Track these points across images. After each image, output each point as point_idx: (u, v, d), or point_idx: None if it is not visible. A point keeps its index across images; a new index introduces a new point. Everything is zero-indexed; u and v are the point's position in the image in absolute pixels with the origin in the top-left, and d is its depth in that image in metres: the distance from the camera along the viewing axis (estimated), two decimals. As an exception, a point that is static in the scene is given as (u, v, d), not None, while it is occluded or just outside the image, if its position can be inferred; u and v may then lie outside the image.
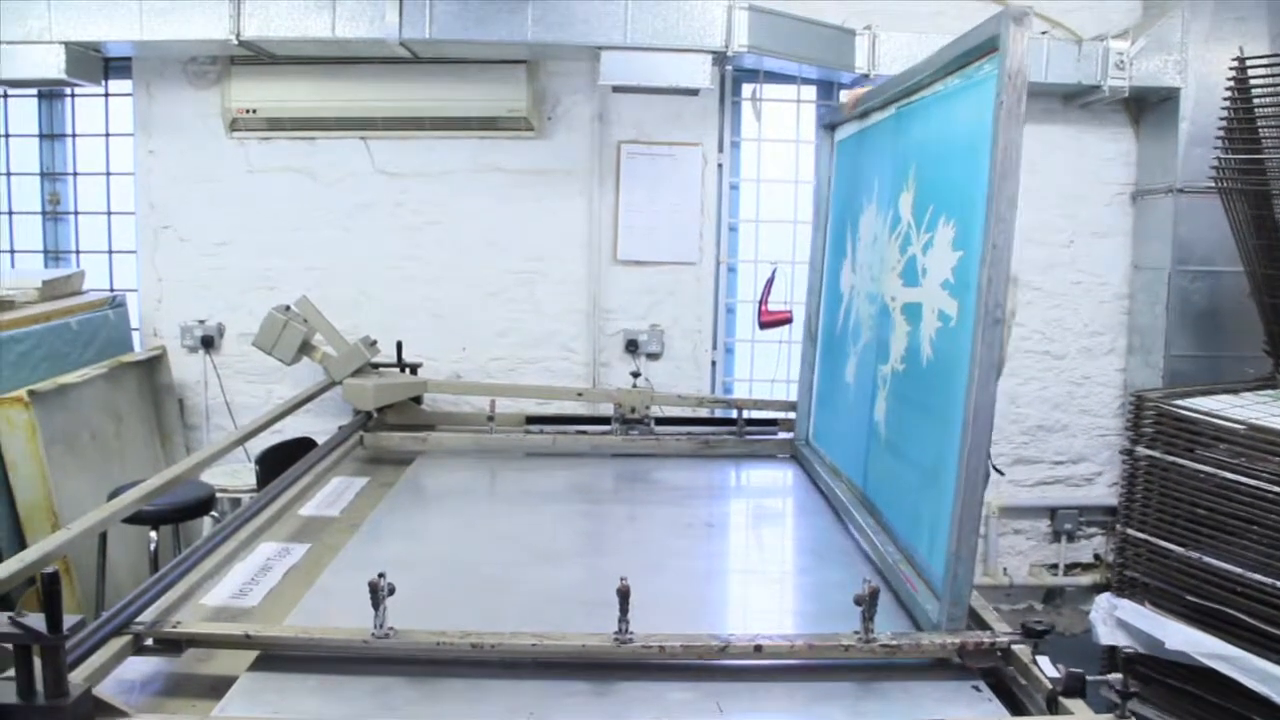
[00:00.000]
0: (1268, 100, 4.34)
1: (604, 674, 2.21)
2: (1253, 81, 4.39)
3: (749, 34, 4.71)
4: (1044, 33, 5.14)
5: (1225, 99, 4.50)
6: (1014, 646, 2.23)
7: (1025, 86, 2.23)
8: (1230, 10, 4.94)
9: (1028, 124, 5.55)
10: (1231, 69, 4.46)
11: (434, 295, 5.44)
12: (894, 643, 2.24)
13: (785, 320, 5.38)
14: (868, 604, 2.22)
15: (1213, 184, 4.53)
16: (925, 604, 2.42)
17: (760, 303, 5.34)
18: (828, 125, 4.12)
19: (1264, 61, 4.37)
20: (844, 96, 3.45)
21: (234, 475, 4.93)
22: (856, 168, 3.70)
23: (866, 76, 5.05)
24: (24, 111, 5.54)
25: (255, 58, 5.06)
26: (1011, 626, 2.34)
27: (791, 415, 4.37)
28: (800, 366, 4.29)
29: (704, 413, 4.96)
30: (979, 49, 2.46)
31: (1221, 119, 4.50)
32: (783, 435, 4.41)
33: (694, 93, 4.96)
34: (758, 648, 2.22)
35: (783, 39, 4.87)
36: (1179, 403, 4.15)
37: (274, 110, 5.22)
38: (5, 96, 5.48)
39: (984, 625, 2.40)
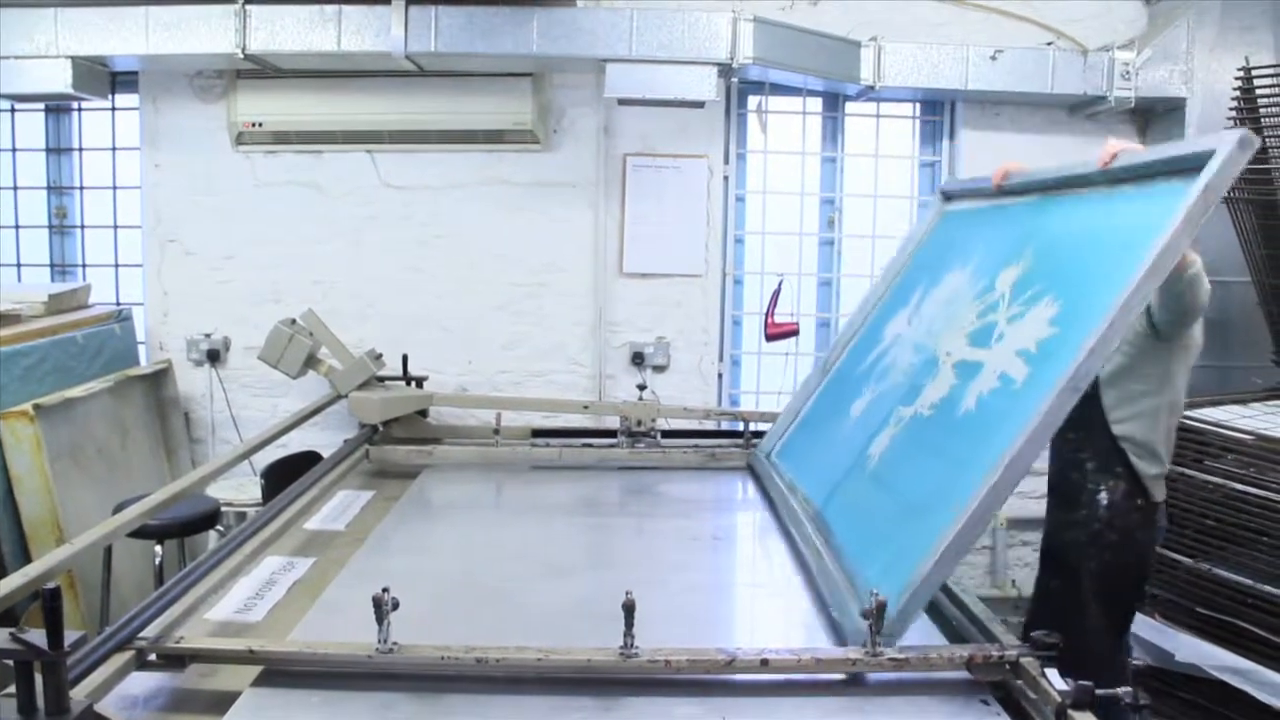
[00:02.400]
0: (1274, 110, 4.33)
1: (609, 689, 2.20)
2: (1259, 91, 4.39)
3: (754, 46, 4.71)
4: (1049, 43, 5.14)
5: (1231, 109, 4.50)
6: (1022, 659, 2.21)
7: (1217, 200, 2.32)
8: (1236, 20, 4.93)
9: (1033, 134, 5.57)
10: (1237, 79, 4.46)
11: (440, 308, 5.44)
12: (901, 657, 2.22)
13: (792, 332, 5.38)
14: (875, 618, 2.20)
15: (1220, 194, 4.51)
16: (854, 622, 2.39)
17: (766, 315, 5.35)
18: (945, 194, 4.04)
19: (1270, 71, 4.37)
20: (997, 176, 3.46)
21: (239, 489, 4.92)
22: (959, 237, 3.68)
23: (872, 88, 5.05)
24: (31, 125, 5.55)
25: (261, 71, 5.07)
26: (1015, 635, 2.33)
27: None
28: (798, 389, 4.25)
29: (710, 425, 4.94)
30: (1180, 162, 2.48)
31: (1228, 129, 4.48)
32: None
33: (699, 105, 4.96)
34: (764, 662, 2.20)
35: (788, 51, 4.87)
36: (1187, 413, 4.12)
37: (280, 124, 5.23)
38: (12, 110, 5.50)
39: (992, 638, 2.38)
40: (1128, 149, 2.74)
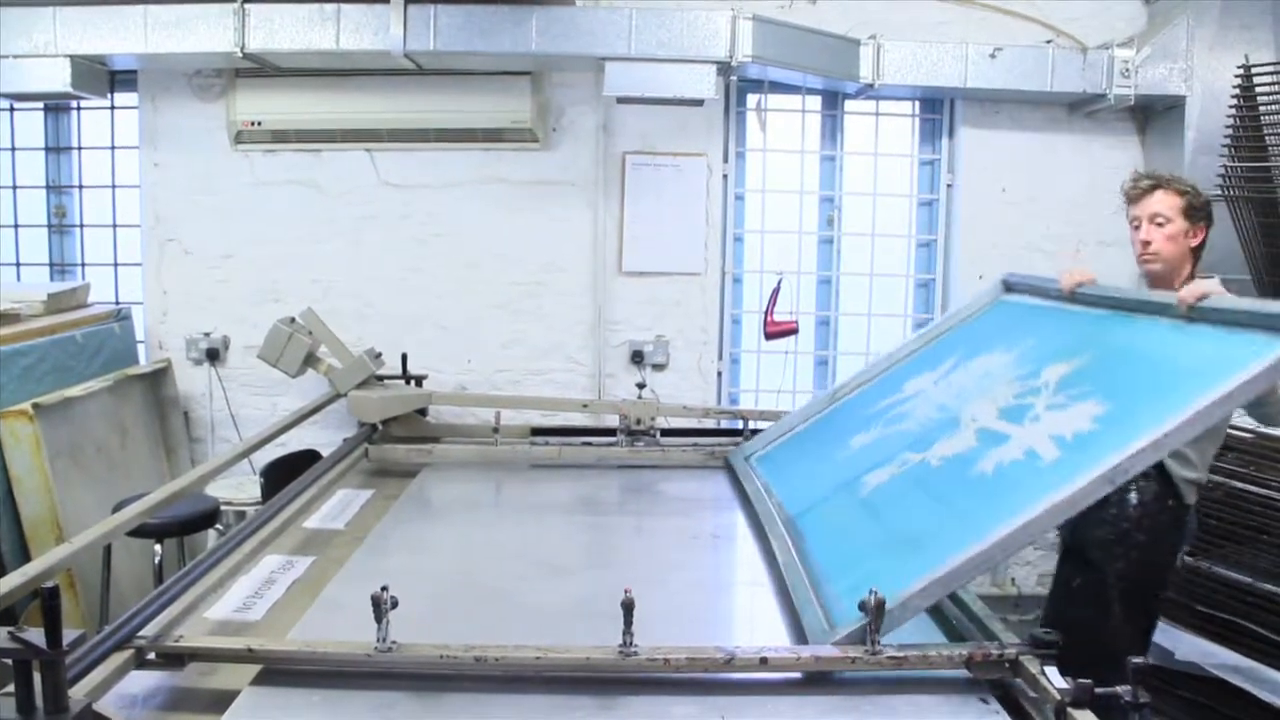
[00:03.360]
0: (1274, 108, 4.33)
1: (608, 688, 2.19)
2: (1258, 89, 4.39)
3: (753, 44, 4.71)
4: (1049, 41, 5.14)
5: (1231, 107, 4.50)
6: (1021, 657, 2.21)
7: None
8: (1235, 18, 4.92)
9: (1032, 132, 5.57)
10: (1237, 77, 4.46)
11: (439, 307, 5.44)
12: (900, 655, 2.22)
13: (791, 331, 5.38)
14: (874, 615, 2.20)
15: (1219, 192, 4.51)
16: (816, 625, 2.42)
17: (766, 313, 5.34)
18: (1006, 284, 4.01)
19: (1270, 69, 4.37)
20: (1068, 280, 3.46)
21: (239, 488, 4.92)
22: (1010, 325, 3.67)
23: (871, 86, 5.05)
24: (30, 124, 5.54)
25: (260, 70, 5.07)
26: (1020, 637, 2.33)
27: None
28: (798, 409, 4.27)
29: (710, 424, 4.94)
30: (1271, 320, 2.47)
31: (1227, 127, 4.49)
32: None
33: (699, 103, 4.96)
34: (763, 660, 2.20)
35: (787, 49, 4.86)
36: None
37: (279, 122, 5.22)
38: (11, 110, 5.50)
39: (991, 636, 2.38)
40: (1217, 292, 2.75)
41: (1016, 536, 2.28)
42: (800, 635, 2.45)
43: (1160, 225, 3.32)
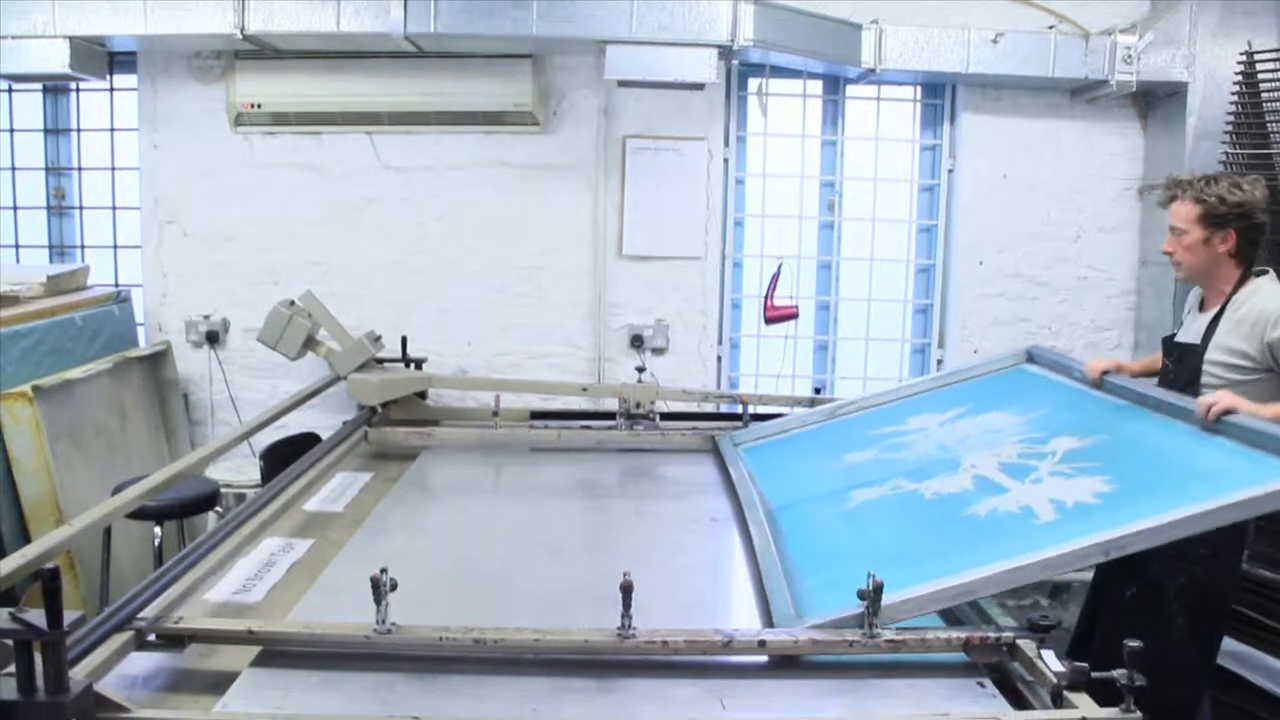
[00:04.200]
0: (1276, 94, 4.33)
1: (607, 670, 2.20)
2: (1261, 76, 4.38)
3: (755, 28, 4.69)
4: (1051, 27, 5.12)
5: (1233, 93, 4.50)
6: (1019, 641, 2.22)
7: None
8: (1238, 4, 4.90)
9: (1033, 118, 5.57)
10: (1240, 63, 4.45)
11: (439, 290, 5.43)
12: (899, 638, 2.23)
13: (791, 315, 5.38)
14: (872, 599, 2.21)
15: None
16: (784, 612, 2.44)
17: (766, 298, 5.34)
18: (1030, 355, 4.06)
19: (1272, 56, 4.36)
20: (1096, 366, 3.48)
21: (238, 470, 4.93)
22: (1026, 392, 3.72)
23: (873, 71, 5.04)
24: (29, 106, 5.53)
25: (260, 52, 5.05)
26: (1018, 622, 2.34)
27: (792, 410, 4.38)
28: (793, 414, 4.34)
29: (709, 408, 4.95)
30: None
31: (1229, 113, 4.49)
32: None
33: (700, 87, 4.95)
34: (761, 643, 2.21)
35: (789, 33, 4.85)
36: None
37: (279, 105, 5.21)
38: (10, 91, 5.48)
39: (989, 621, 2.39)
40: (1243, 408, 2.77)
41: (1002, 578, 2.31)
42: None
43: (1178, 236, 3.25)
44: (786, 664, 2.27)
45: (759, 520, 3.06)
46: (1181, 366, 3.26)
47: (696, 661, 2.24)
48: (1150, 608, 3.10)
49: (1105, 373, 3.44)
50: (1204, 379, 3.14)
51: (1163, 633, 3.02)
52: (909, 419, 3.80)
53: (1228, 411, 2.77)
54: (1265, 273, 3.23)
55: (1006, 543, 2.42)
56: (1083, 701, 2.01)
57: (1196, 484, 2.49)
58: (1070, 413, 3.34)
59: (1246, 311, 3.13)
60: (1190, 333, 3.30)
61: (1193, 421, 2.88)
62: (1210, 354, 3.16)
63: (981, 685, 2.19)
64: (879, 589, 2.20)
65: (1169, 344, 3.39)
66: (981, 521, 2.71)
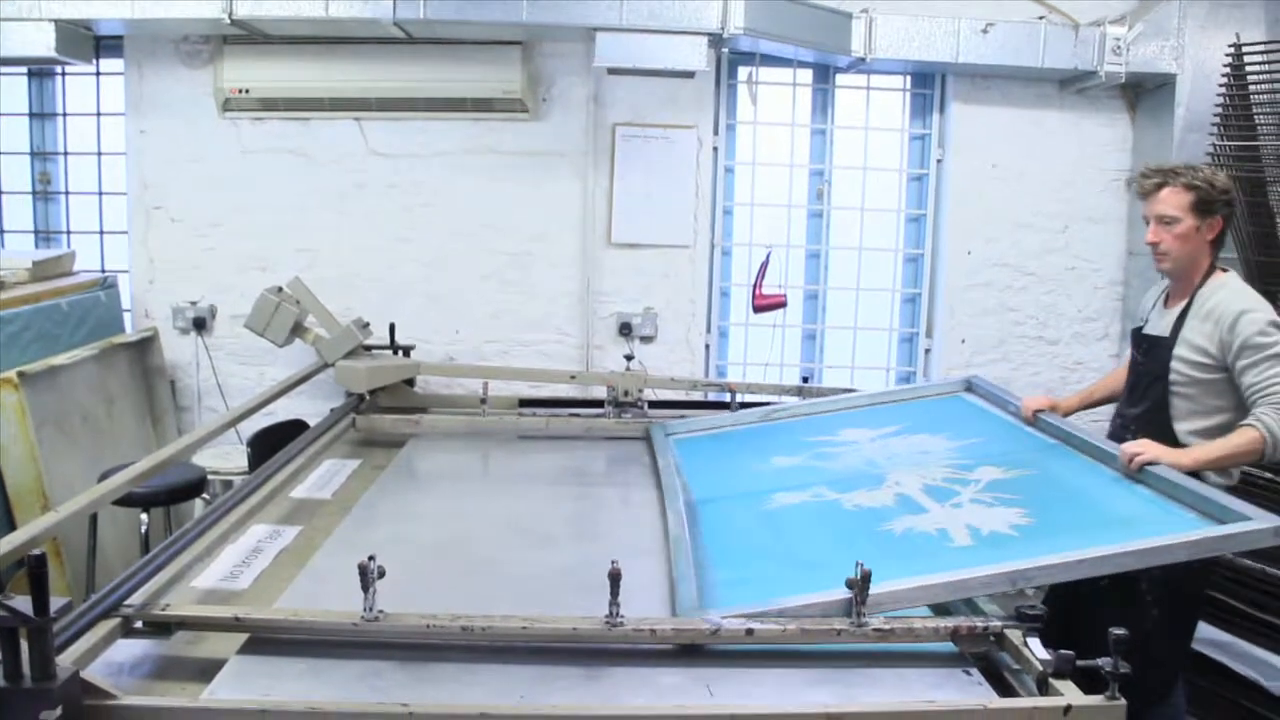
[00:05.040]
0: (1264, 87, 4.34)
1: (595, 658, 2.21)
2: (1249, 68, 4.39)
3: (745, 16, 4.68)
4: (1041, 18, 5.13)
5: (1221, 85, 4.50)
6: (1006, 630, 2.23)
7: (1212, 553, 2.59)
8: (1227, -4, 4.92)
9: (1022, 109, 5.57)
10: (1228, 55, 4.46)
11: (427, 277, 5.42)
12: (886, 627, 2.24)
13: (779, 304, 5.38)
14: (859, 587, 2.21)
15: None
16: (688, 601, 2.44)
17: (754, 286, 5.34)
18: (969, 385, 4.13)
19: (1260, 48, 4.37)
20: (1030, 404, 3.57)
21: (226, 457, 4.92)
22: (960, 420, 3.80)
23: (863, 60, 5.04)
24: (14, 90, 5.48)
25: (248, 37, 5.02)
26: (1005, 611, 2.35)
27: (779, 399, 4.39)
28: (726, 413, 4.35)
29: (697, 396, 4.96)
30: (1207, 505, 2.62)
31: (1217, 105, 4.49)
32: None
33: (689, 75, 4.94)
34: (749, 632, 2.22)
35: (779, 21, 4.84)
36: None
37: (267, 90, 5.18)
38: (-5, 75, 5.45)
39: (977, 611, 2.40)
40: (1167, 461, 2.85)
41: (910, 593, 2.32)
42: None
43: (1168, 225, 3.19)
44: (776, 652, 2.27)
45: (678, 509, 3.08)
46: (1150, 359, 3.27)
47: (685, 649, 2.24)
48: (1125, 595, 3.10)
49: (1039, 411, 3.52)
50: (1171, 375, 3.16)
51: (1139, 620, 3.04)
52: (841, 430, 3.86)
53: (1152, 463, 2.86)
54: (1226, 270, 3.25)
55: (918, 561, 2.46)
56: (1068, 689, 2.03)
57: (1110, 528, 2.60)
58: (1000, 444, 3.43)
59: (1212, 307, 3.13)
60: (1159, 326, 3.30)
61: (1116, 467, 2.98)
62: (1178, 349, 3.17)
63: (968, 674, 2.20)
64: (867, 578, 2.21)
65: (1138, 336, 3.40)
66: (896, 538, 2.75)
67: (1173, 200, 3.18)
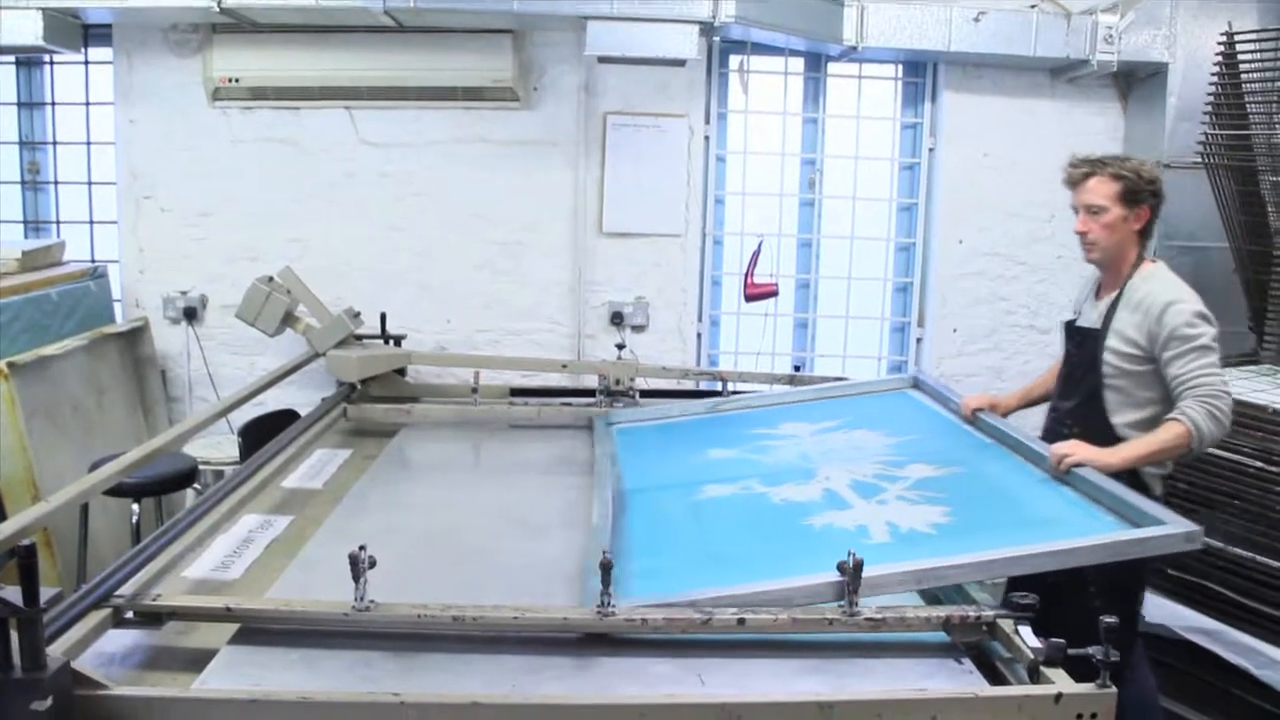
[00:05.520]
0: (1255, 76, 4.34)
1: (586, 648, 2.21)
2: (1241, 57, 4.39)
3: (736, 5, 4.66)
4: (1033, 6, 5.12)
5: (1213, 74, 4.50)
6: (999, 620, 2.23)
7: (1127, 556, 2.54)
8: (1219, -15, 4.92)
9: (1014, 97, 5.56)
10: (1220, 44, 4.46)
11: (419, 267, 5.41)
12: (879, 617, 2.24)
13: (771, 293, 5.37)
14: (851, 576, 2.21)
15: (1199, 159, 4.53)
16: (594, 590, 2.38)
17: (746, 275, 5.33)
18: (915, 381, 4.14)
19: (1252, 37, 4.37)
20: (970, 403, 3.57)
21: (216, 447, 4.91)
22: (901, 416, 3.80)
23: (855, 49, 5.03)
24: (2, 79, 5.46)
25: (238, 26, 5.00)
26: (994, 598, 2.35)
27: (770, 387, 4.39)
28: (677, 405, 4.30)
29: (689, 385, 4.96)
30: (1127, 509, 2.64)
31: (1209, 94, 4.49)
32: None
33: (681, 64, 4.93)
34: (741, 621, 2.22)
35: (771, 10, 4.83)
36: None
37: (257, 79, 5.16)
38: (-17, 63, 5.41)
39: (970, 600, 2.40)
40: (1097, 462, 2.87)
41: (816, 589, 2.29)
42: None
43: (1096, 214, 3.18)
44: (765, 642, 2.28)
45: (605, 499, 3.06)
46: (1082, 351, 3.26)
47: (676, 639, 2.24)
48: (1072, 583, 3.13)
49: (978, 410, 3.52)
50: (1103, 367, 3.16)
51: (1083, 607, 3.06)
52: (782, 424, 3.86)
53: (1079, 465, 2.87)
54: (1157, 261, 3.26)
55: (832, 556, 2.42)
56: (1059, 677, 2.03)
57: (1030, 528, 2.61)
58: (936, 442, 3.44)
59: (1141, 298, 3.13)
60: (1090, 318, 3.30)
61: (1045, 467, 2.99)
62: (1109, 340, 3.16)
63: (959, 662, 2.20)
64: (859, 566, 2.21)
65: (1070, 328, 3.40)
66: (815, 533, 2.74)
67: (1100, 190, 3.17)
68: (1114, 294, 3.22)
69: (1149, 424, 3.08)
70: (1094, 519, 2.67)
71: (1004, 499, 2.93)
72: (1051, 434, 3.34)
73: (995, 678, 2.17)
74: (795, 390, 4.29)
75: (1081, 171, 3.22)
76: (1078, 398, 3.27)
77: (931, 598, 2.51)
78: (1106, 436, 3.10)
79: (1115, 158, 3.24)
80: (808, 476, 3.19)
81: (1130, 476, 3.03)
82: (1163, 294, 3.10)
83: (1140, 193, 3.17)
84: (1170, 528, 2.47)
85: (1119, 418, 3.15)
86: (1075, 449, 2.92)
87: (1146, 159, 3.30)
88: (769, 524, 2.89)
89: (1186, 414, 2.93)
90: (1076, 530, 2.58)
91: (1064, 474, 2.91)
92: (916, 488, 2.98)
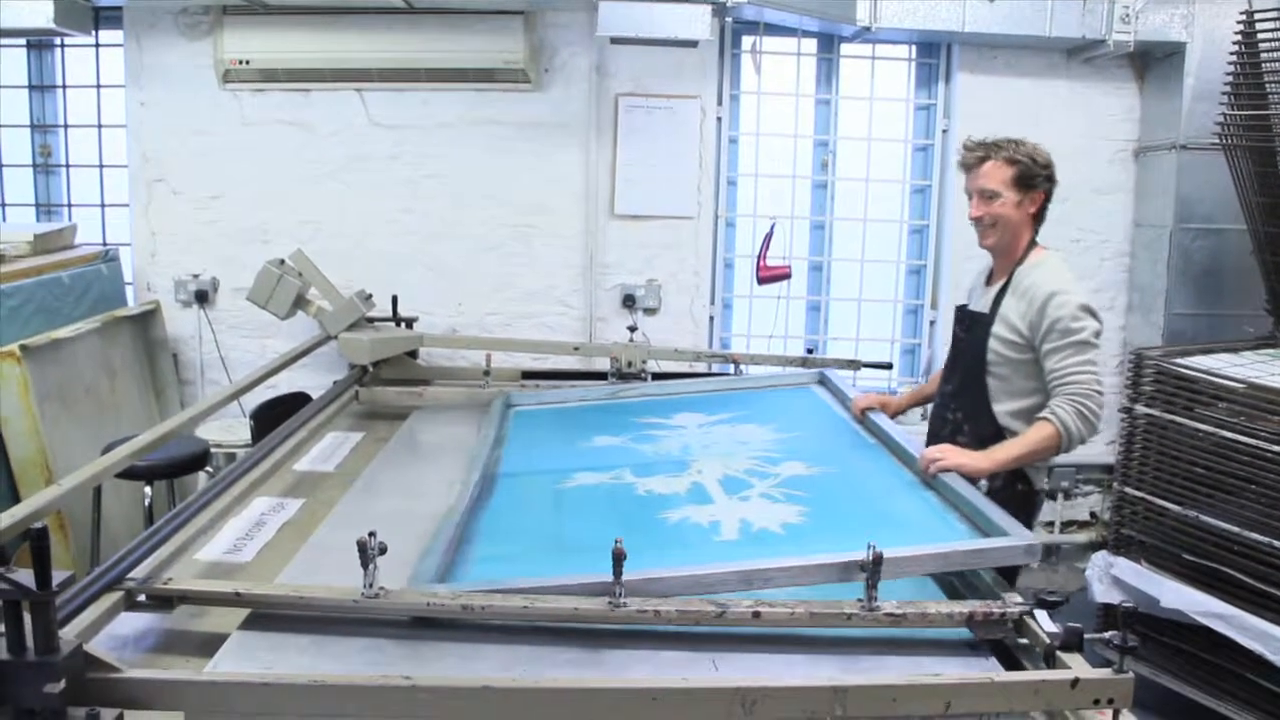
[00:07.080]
0: (1275, 56, 4.29)
1: (597, 639, 2.19)
2: (1260, 37, 4.34)
3: (749, -15, 4.64)
4: (1048, -15, 5.07)
5: (1232, 54, 4.45)
6: (1025, 617, 2.18)
7: (970, 565, 2.48)
8: (1238, -37, 4.86)
9: (1029, 78, 5.52)
10: (1239, 24, 4.41)
11: (430, 249, 5.40)
12: (899, 612, 2.19)
13: (784, 275, 5.35)
14: (871, 570, 2.18)
15: (1217, 140, 4.49)
16: (426, 573, 2.39)
17: (758, 258, 5.31)
18: (821, 378, 4.12)
19: (1272, 16, 4.31)
20: (859, 402, 3.56)
21: (229, 430, 4.91)
22: (798, 412, 3.79)
23: (868, 29, 4.99)
24: (13, 62, 5.46)
25: (248, 7, 4.99)
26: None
27: (783, 370, 4.38)
28: (583, 389, 4.30)
29: (701, 368, 4.94)
30: (979, 517, 2.59)
31: (1227, 75, 4.44)
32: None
33: (693, 44, 4.89)
34: (756, 614, 2.19)
35: (783, -10, 4.80)
36: (1179, 361, 4.12)
37: (267, 61, 5.14)
38: (-6, 46, 5.41)
39: (995, 595, 2.34)
40: (967, 467, 2.82)
41: (639, 585, 2.23)
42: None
43: (990, 199, 3.14)
44: (780, 635, 2.25)
45: (472, 481, 3.04)
46: (970, 335, 3.23)
47: (689, 631, 2.22)
48: None
49: (867, 409, 3.50)
50: (988, 354, 3.12)
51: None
52: (676, 415, 3.84)
53: (946, 470, 2.82)
54: (1046, 248, 3.22)
55: (676, 552, 2.41)
56: (1075, 662, 2.01)
57: (880, 532, 2.47)
58: (818, 440, 3.41)
59: (1027, 286, 3.09)
60: (981, 303, 3.26)
61: (916, 470, 2.95)
62: (995, 328, 3.12)
63: (972, 647, 2.19)
64: (879, 560, 2.17)
65: (961, 311, 3.36)
66: (668, 527, 2.70)
67: (995, 174, 3.14)
68: (1003, 280, 3.19)
69: (1030, 412, 3.05)
70: (947, 525, 2.61)
71: (864, 501, 2.87)
72: (937, 419, 3.34)
73: (1011, 663, 2.15)
74: (698, 381, 4.29)
75: (976, 155, 3.19)
76: (961, 383, 3.24)
77: (950, 587, 2.49)
78: (989, 423, 3.10)
79: (1010, 141, 3.18)
80: (681, 468, 3.16)
81: (1013, 470, 3.04)
82: (1047, 284, 3.05)
83: (1035, 177, 3.15)
84: (1011, 540, 2.40)
85: (1000, 405, 3.12)
86: (946, 453, 2.87)
87: (1040, 143, 3.23)
88: (626, 516, 2.84)
89: (1056, 414, 2.91)
90: (925, 536, 2.50)
91: (932, 477, 2.86)
92: (783, 485, 2.94)
